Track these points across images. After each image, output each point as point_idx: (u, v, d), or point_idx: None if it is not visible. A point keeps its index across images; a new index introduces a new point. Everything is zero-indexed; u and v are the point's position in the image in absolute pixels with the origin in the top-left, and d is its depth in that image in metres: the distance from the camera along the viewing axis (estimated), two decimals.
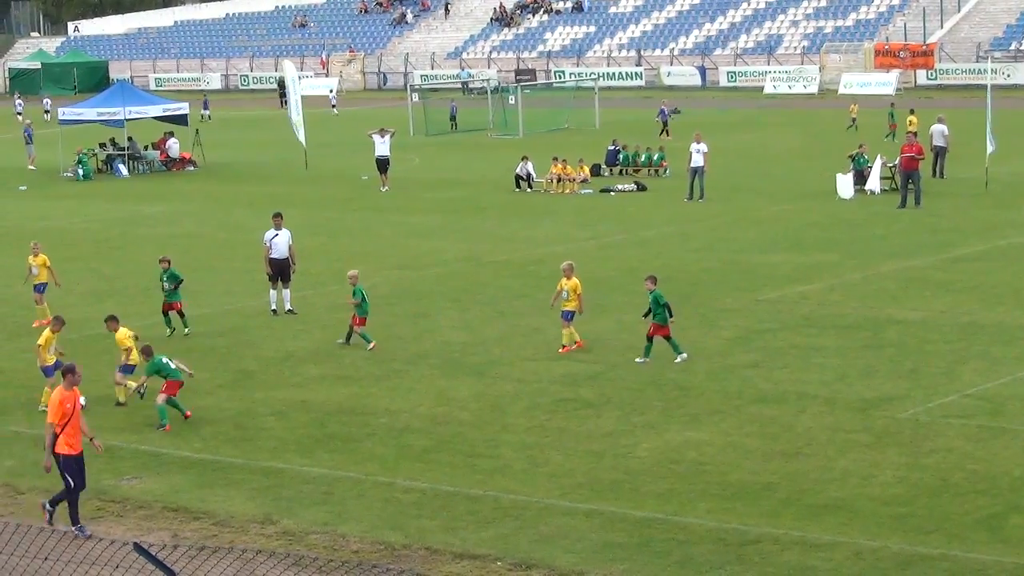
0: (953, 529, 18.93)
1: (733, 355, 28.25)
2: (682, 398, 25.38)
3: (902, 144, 48.76)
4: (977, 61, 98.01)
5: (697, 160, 49.94)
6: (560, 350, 28.69)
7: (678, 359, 27.56)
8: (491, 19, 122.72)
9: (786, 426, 23.56)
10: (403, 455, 22.71)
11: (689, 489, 20.70)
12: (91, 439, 20.01)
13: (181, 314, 31.04)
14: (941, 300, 32.81)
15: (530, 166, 54.56)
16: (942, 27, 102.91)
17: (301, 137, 62.50)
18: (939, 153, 53.41)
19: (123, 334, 26.11)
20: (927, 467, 21.35)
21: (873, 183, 49.96)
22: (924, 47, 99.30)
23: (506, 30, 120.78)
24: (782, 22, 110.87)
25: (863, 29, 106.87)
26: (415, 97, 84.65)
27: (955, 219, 44.39)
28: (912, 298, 33.18)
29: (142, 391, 25.50)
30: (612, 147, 59.20)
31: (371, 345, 29.32)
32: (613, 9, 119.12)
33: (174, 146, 66.12)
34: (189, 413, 24.77)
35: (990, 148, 50.17)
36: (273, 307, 33.10)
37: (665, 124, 72.90)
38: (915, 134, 51.20)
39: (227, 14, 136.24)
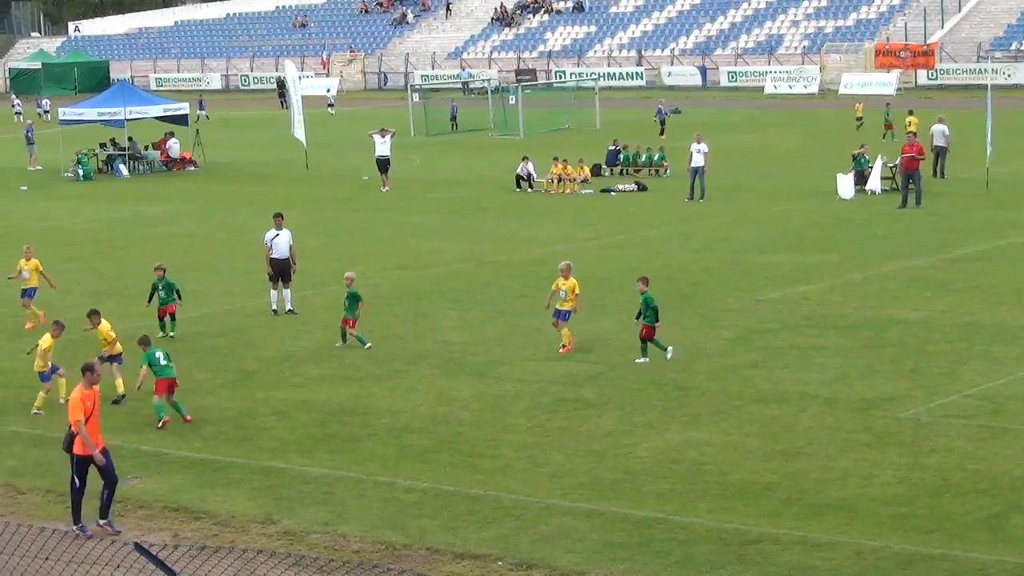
0: (954, 529, 18.92)
1: (734, 355, 28.25)
2: (683, 398, 25.38)
3: (903, 144, 48.74)
4: (978, 61, 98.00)
5: (698, 160, 49.94)
6: (560, 350, 28.68)
7: (668, 355, 27.56)
8: (491, 19, 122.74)
9: (787, 426, 23.56)
10: (404, 455, 22.71)
11: (690, 489, 20.70)
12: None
13: (172, 317, 30.92)
14: (942, 300, 32.81)
15: (531, 166, 54.56)
16: (943, 27, 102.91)
17: (301, 137, 62.51)
18: (940, 153, 53.41)
19: (106, 327, 26.34)
20: (928, 467, 21.35)
21: (874, 183, 49.96)
22: (924, 47, 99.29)
23: (507, 30, 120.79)
24: (782, 22, 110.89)
25: (863, 29, 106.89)
26: (415, 97, 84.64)
27: (956, 219, 44.39)
28: (913, 298, 33.18)
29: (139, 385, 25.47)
30: (613, 147, 59.21)
31: (367, 345, 29.30)
32: (614, 9, 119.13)
33: (174, 146, 66.12)
34: (189, 418, 24.76)
35: (990, 149, 50.13)
36: (274, 307, 33.10)
37: (662, 124, 72.89)
38: (915, 134, 51.18)
39: (227, 14, 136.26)
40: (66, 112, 66.94)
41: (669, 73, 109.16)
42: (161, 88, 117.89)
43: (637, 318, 28.10)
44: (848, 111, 77.71)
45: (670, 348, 27.77)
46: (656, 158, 58.19)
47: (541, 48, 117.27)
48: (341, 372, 27.90)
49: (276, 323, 32.39)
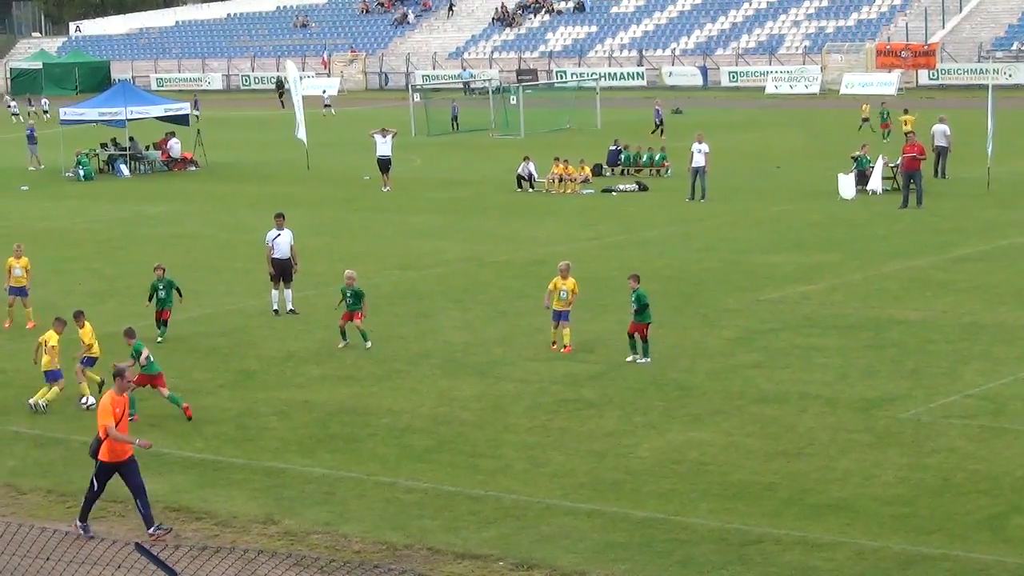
0: (955, 529, 18.92)
1: (735, 355, 28.25)
2: (684, 398, 25.38)
3: (904, 144, 48.74)
4: (979, 61, 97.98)
5: (699, 160, 49.94)
6: (562, 350, 28.68)
7: (634, 358, 27.55)
8: (492, 19, 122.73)
9: (788, 426, 23.56)
10: (405, 455, 22.71)
11: (691, 489, 20.70)
12: (134, 441, 19.79)
13: (165, 323, 30.71)
14: (943, 300, 32.81)
15: (532, 166, 54.56)
16: (944, 27, 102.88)
17: (303, 137, 62.53)
18: (941, 153, 53.40)
19: (88, 330, 26.45)
20: (929, 467, 21.35)
21: (875, 183, 49.95)
22: (926, 47, 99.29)
23: (507, 30, 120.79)
24: (783, 22, 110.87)
25: (865, 29, 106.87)
26: (417, 97, 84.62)
27: (957, 219, 44.38)
28: (914, 298, 33.18)
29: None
30: (614, 147, 59.21)
31: (368, 344, 29.25)
32: (615, 9, 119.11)
33: (175, 146, 66.13)
34: (190, 412, 24.80)
35: (991, 149, 50.10)
36: (275, 307, 33.11)
37: (659, 124, 72.86)
38: (914, 133, 51.13)
39: (228, 14, 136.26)
40: (67, 112, 66.93)
41: (670, 73, 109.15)
42: (162, 88, 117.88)
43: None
44: (850, 111, 77.68)
45: (645, 359, 27.63)
46: (657, 158, 58.18)
47: (542, 48, 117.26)
48: (342, 372, 27.91)
49: (277, 323, 32.39)
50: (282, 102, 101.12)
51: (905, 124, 63.76)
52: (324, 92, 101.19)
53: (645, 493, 20.62)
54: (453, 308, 33.41)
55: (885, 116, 68.69)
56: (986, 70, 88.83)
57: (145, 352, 25.12)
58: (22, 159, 68.59)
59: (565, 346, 28.75)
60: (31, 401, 25.68)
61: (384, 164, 55.58)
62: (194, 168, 65.54)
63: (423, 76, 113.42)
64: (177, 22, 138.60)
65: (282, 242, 33.07)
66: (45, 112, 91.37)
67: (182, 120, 66.91)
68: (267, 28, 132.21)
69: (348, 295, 29.66)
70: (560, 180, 53.66)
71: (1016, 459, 21.59)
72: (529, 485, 21.06)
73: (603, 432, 23.55)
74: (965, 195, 49.13)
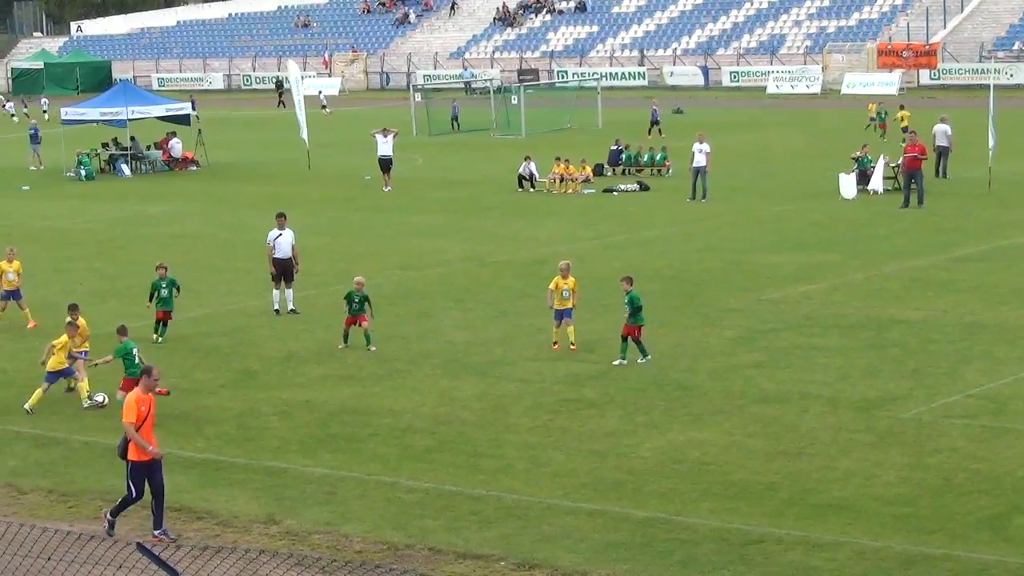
0: (956, 529, 18.92)
1: (736, 355, 28.25)
2: (685, 398, 25.38)
3: (905, 144, 48.74)
4: (980, 61, 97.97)
5: (700, 160, 49.94)
6: (571, 347, 28.69)
7: (620, 362, 27.56)
8: (494, 19, 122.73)
9: (789, 426, 23.56)
10: (406, 455, 22.71)
11: (692, 489, 20.69)
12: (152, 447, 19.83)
13: (165, 324, 30.63)
14: (944, 300, 32.80)
15: (533, 166, 54.56)
16: (945, 27, 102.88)
17: (304, 137, 62.56)
18: (942, 153, 53.40)
19: (83, 323, 26.68)
20: (930, 467, 21.34)
21: (876, 183, 49.95)
22: (927, 47, 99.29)
23: (509, 30, 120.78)
24: (785, 22, 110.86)
25: (866, 29, 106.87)
26: (418, 97, 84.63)
27: (958, 219, 44.38)
28: (915, 298, 33.17)
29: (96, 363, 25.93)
30: (615, 147, 59.20)
31: (372, 347, 29.22)
32: (616, 9, 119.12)
33: (177, 146, 66.13)
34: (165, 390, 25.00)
35: (992, 148, 50.04)
36: (276, 307, 33.11)
37: (655, 123, 72.83)
38: (915, 133, 51.09)
39: (230, 14, 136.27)
40: (68, 112, 66.94)
41: (671, 73, 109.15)
42: (163, 88, 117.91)
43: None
44: (852, 111, 77.67)
45: (622, 361, 27.61)
46: (658, 158, 58.18)
47: (543, 48, 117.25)
48: (343, 372, 27.91)
49: (278, 323, 32.39)
50: (281, 102, 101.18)
51: (901, 120, 63.94)
52: (320, 92, 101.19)
53: (646, 493, 20.62)
54: (454, 308, 33.41)
55: (883, 116, 68.66)
56: (987, 70, 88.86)
57: (136, 352, 25.26)
58: (23, 159, 68.59)
59: (572, 344, 28.75)
60: (26, 405, 25.68)
61: (385, 164, 55.58)
62: (195, 168, 65.55)
63: (424, 76, 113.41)
64: (178, 22, 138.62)
65: (283, 242, 33.07)
66: (45, 112, 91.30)
67: (183, 120, 66.92)
68: (268, 28, 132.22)
69: (356, 300, 29.56)
70: (561, 180, 53.66)
71: (1017, 459, 21.59)
72: (530, 485, 21.05)
73: (604, 432, 23.55)
74: (966, 195, 49.12)
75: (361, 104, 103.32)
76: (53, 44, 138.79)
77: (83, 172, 62.24)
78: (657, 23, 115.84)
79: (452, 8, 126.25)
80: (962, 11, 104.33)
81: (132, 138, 65.50)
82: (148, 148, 66.42)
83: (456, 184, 56.73)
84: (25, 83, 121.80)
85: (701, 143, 50.24)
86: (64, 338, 25.97)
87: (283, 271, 33.06)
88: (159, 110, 66.68)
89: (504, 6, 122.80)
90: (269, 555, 18.12)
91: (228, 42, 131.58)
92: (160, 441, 23.63)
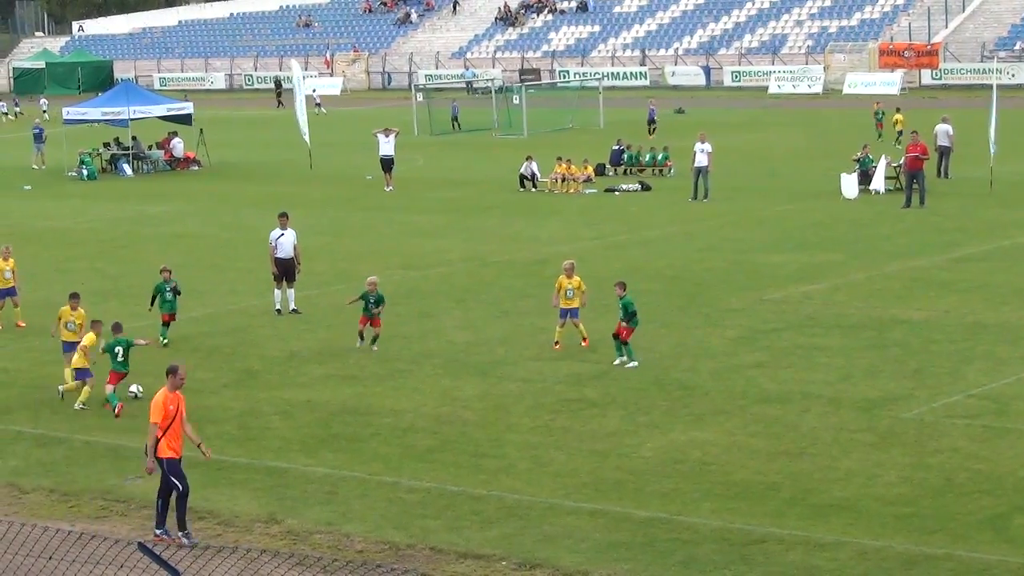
0: (958, 529, 18.92)
1: (737, 355, 28.24)
2: (686, 398, 25.38)
3: (906, 144, 48.71)
4: (982, 61, 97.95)
5: (701, 160, 49.93)
6: (583, 343, 28.76)
7: (622, 361, 27.59)
8: (495, 19, 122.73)
9: (790, 426, 23.56)
10: (407, 455, 22.71)
11: (693, 489, 20.69)
12: (198, 444, 19.68)
13: (167, 324, 30.53)
14: (946, 300, 32.80)
15: (534, 166, 54.56)
16: (947, 27, 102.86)
17: (306, 136, 62.58)
18: (943, 153, 53.40)
19: (81, 314, 27.21)
20: (932, 467, 21.34)
21: (877, 183, 49.94)
22: (928, 47, 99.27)
23: (510, 30, 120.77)
24: (786, 22, 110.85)
25: (867, 29, 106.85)
26: (419, 97, 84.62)
27: (959, 219, 44.37)
28: (917, 298, 33.17)
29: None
30: (616, 147, 59.20)
31: (359, 344, 29.23)
32: (617, 9, 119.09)
33: (178, 146, 66.15)
34: (120, 409, 25.29)
35: (993, 148, 50.05)
36: (277, 307, 33.11)
37: (652, 124, 72.84)
38: (917, 133, 51.06)
39: (231, 14, 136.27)
40: (70, 112, 66.95)
41: (673, 73, 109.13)
42: (165, 88, 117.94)
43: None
44: (853, 111, 77.65)
45: (629, 361, 27.61)
46: (660, 158, 58.18)
47: (545, 48, 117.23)
48: (345, 372, 27.91)
49: (280, 323, 32.39)
50: (279, 102, 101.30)
51: (896, 124, 64.00)
52: (314, 91, 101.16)
53: (648, 493, 20.62)
54: (455, 308, 33.41)
55: (880, 116, 68.64)
56: (989, 70, 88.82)
57: (121, 351, 25.62)
58: (25, 159, 68.59)
59: (583, 339, 28.85)
60: (61, 387, 26.01)
61: (387, 164, 55.57)
62: (197, 168, 65.57)
63: (426, 76, 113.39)
64: (180, 21, 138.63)
65: (285, 242, 33.07)
66: (45, 112, 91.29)
67: (185, 120, 66.92)
68: (270, 28, 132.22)
69: (371, 301, 29.47)
70: (563, 180, 53.66)
71: (1019, 459, 21.58)
72: (532, 485, 21.06)
73: (606, 432, 23.55)
74: (968, 195, 49.11)
75: (363, 104, 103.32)
76: (55, 44, 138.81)
77: (85, 172, 62.26)
78: (659, 23, 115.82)
79: (454, 8, 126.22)
80: (963, 11, 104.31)
81: (134, 138, 65.50)
82: (150, 148, 66.42)
83: (457, 184, 56.73)
84: (27, 83, 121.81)
85: (703, 143, 50.23)
86: (91, 336, 26.18)
87: (285, 271, 33.06)
88: (161, 110, 66.71)
89: (506, 6, 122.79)
90: (270, 555, 18.12)
91: (230, 42, 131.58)
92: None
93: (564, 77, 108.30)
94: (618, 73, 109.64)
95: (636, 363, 27.42)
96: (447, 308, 33.38)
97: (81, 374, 25.85)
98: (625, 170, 58.15)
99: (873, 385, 25.81)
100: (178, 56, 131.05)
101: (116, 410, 25.22)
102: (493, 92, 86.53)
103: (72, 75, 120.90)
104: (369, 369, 28.00)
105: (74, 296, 27.78)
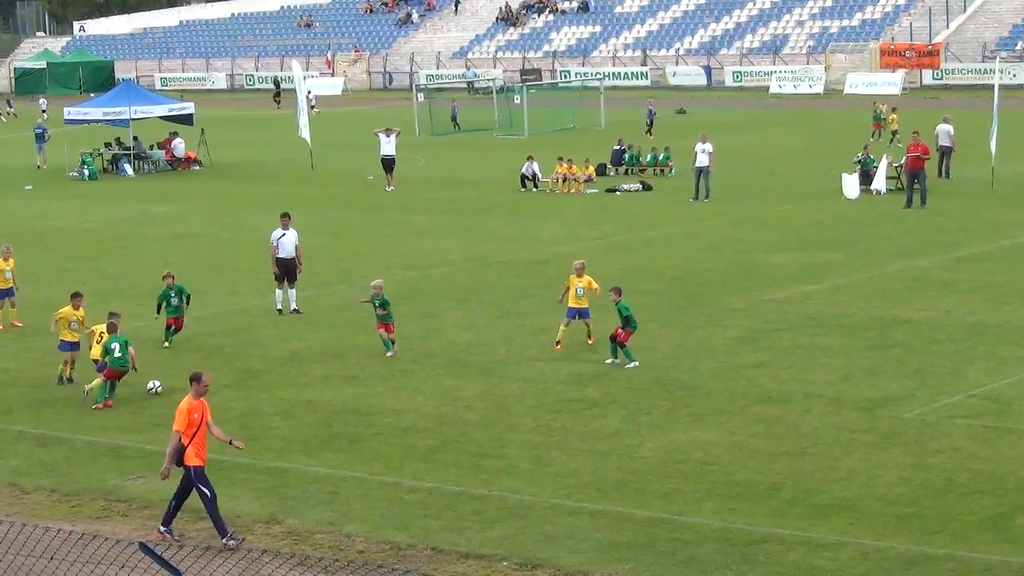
0: (959, 529, 18.92)
1: (739, 355, 28.24)
2: (687, 398, 25.38)
3: (908, 144, 48.71)
4: (983, 61, 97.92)
5: (702, 160, 49.93)
6: (588, 342, 28.79)
7: (613, 361, 27.61)
8: (496, 19, 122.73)
9: (791, 426, 23.56)
10: (408, 455, 22.71)
11: (694, 489, 20.70)
12: (230, 441, 19.69)
13: (177, 329, 30.44)
14: (947, 300, 32.79)
15: (535, 166, 54.56)
16: (948, 27, 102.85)
17: (306, 136, 62.59)
18: (945, 153, 53.39)
19: (81, 312, 27.54)
20: (933, 467, 21.34)
21: (879, 183, 49.93)
22: (930, 47, 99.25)
23: (511, 30, 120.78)
24: (788, 22, 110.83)
25: (869, 29, 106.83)
26: (421, 97, 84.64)
27: (961, 219, 44.36)
28: (918, 298, 33.16)
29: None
30: (618, 147, 59.20)
31: (389, 353, 28.98)
32: (619, 9, 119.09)
33: (179, 146, 66.16)
34: (109, 403, 25.70)
35: (993, 147, 50.01)
36: (279, 307, 33.12)
37: (650, 124, 72.86)
38: (918, 133, 51.05)
39: (232, 14, 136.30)
40: (71, 112, 66.97)
41: (674, 73, 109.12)
42: (166, 88, 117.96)
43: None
44: (854, 111, 77.64)
45: (635, 363, 27.61)
46: (661, 158, 58.18)
47: (546, 48, 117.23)
48: (346, 372, 27.91)
49: (281, 323, 32.40)
50: (275, 102, 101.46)
51: (891, 123, 64.05)
52: (309, 92, 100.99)
53: (649, 493, 20.62)
54: (457, 308, 33.41)
55: (876, 116, 68.58)
56: (990, 70, 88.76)
57: (117, 347, 25.89)
58: (26, 159, 68.59)
59: (589, 338, 28.87)
60: (86, 387, 26.16)
61: (388, 163, 55.57)
62: (198, 168, 65.58)
63: (427, 76, 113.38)
64: (181, 22, 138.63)
65: (287, 242, 33.07)
66: (44, 112, 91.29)
67: (186, 120, 66.92)
68: (271, 28, 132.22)
69: (376, 304, 29.39)
70: (564, 180, 53.66)
71: (1020, 459, 21.58)
72: (533, 485, 21.06)
73: (607, 432, 23.55)
74: (969, 195, 49.10)
75: (364, 104, 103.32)
76: (56, 44, 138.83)
77: (86, 172, 62.28)
78: (660, 23, 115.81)
79: (456, 6, 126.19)
80: (965, 11, 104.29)
81: (135, 138, 65.51)
82: (151, 148, 66.42)
83: (459, 184, 56.73)
84: (28, 83, 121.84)
85: (704, 143, 50.23)
86: (101, 327, 26.57)
87: (286, 271, 33.06)
88: (162, 110, 66.72)
89: (507, 6, 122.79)
90: (271, 555, 18.14)
91: (231, 42, 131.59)
92: (163, 441, 23.61)
93: (565, 77, 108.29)
94: (619, 73, 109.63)
95: (636, 363, 27.42)
96: (448, 308, 33.39)
97: (101, 365, 26.19)
98: (626, 170, 58.15)
99: (874, 385, 25.81)
100: (179, 56, 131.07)
101: (103, 404, 25.64)
102: (494, 92, 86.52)
103: (73, 75, 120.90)
104: (370, 369, 28.01)
105: (77, 295, 27.96)
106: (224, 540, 18.85)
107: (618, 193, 52.87)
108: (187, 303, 30.50)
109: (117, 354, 25.78)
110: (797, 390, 25.62)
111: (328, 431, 24.12)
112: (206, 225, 48.17)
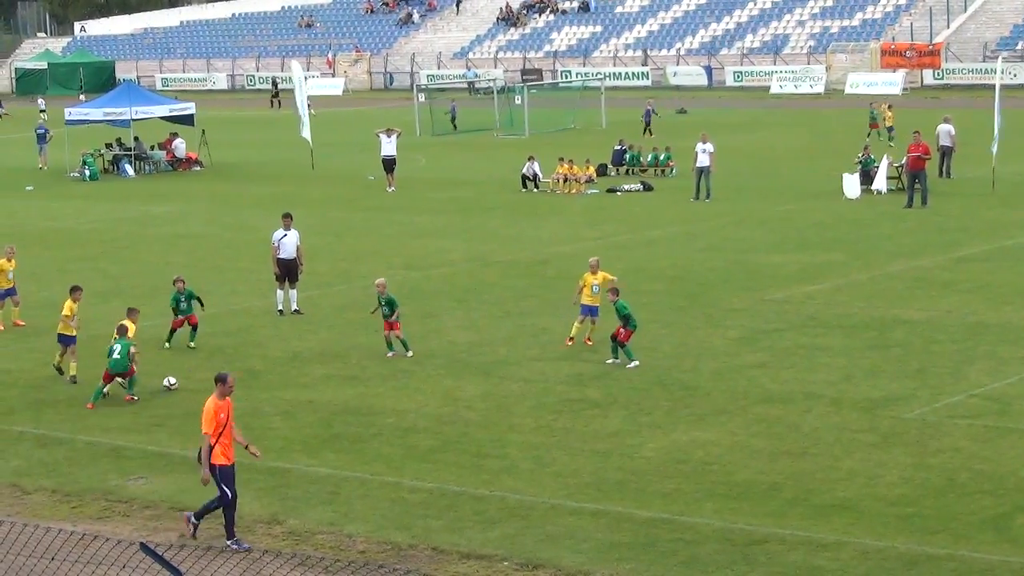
0: (959, 529, 18.92)
1: (739, 355, 28.25)
2: (688, 398, 25.39)
3: (908, 144, 48.71)
4: (984, 61, 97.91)
5: (703, 160, 49.93)
6: (587, 342, 28.91)
7: (614, 361, 27.63)
8: (497, 19, 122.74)
9: (792, 426, 23.57)
10: (409, 455, 22.72)
11: (695, 489, 20.70)
12: (246, 446, 19.71)
13: (195, 327, 30.39)
14: (947, 300, 32.79)
15: (536, 166, 54.56)
16: (948, 27, 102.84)
17: (307, 136, 62.59)
18: (945, 153, 53.37)
19: (74, 307, 27.84)
20: (933, 467, 21.35)
21: (880, 183, 49.93)
22: (930, 47, 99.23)
23: (512, 30, 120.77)
24: (788, 22, 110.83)
25: (869, 29, 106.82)
26: (421, 97, 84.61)
27: (961, 219, 44.35)
28: (918, 298, 33.16)
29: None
30: (618, 147, 59.19)
31: (409, 353, 28.86)
32: (619, 9, 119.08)
33: (180, 146, 66.16)
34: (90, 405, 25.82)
35: (994, 147, 50.00)
36: (279, 307, 33.12)
37: (648, 124, 72.85)
38: (919, 133, 51.02)
39: (233, 14, 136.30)
40: (72, 112, 66.97)
41: (675, 73, 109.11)
42: (167, 88, 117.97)
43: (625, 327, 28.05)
44: (855, 111, 77.65)
45: (636, 362, 27.60)
46: (662, 158, 58.18)
47: (547, 48, 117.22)
48: (347, 372, 27.92)
49: (282, 323, 32.41)
50: (271, 102, 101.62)
51: (886, 120, 64.05)
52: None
53: (650, 493, 20.63)
54: (458, 308, 33.42)
55: (873, 117, 68.60)
56: (990, 70, 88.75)
57: (118, 349, 25.98)
58: (27, 159, 68.61)
59: (588, 338, 28.97)
60: (105, 388, 26.36)
61: (388, 164, 55.57)
62: (199, 168, 65.57)
63: (428, 76, 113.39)
64: (182, 22, 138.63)
65: (288, 242, 33.08)
66: (42, 112, 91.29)
67: (187, 120, 66.93)
68: (272, 28, 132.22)
69: (382, 303, 29.36)
70: (565, 180, 53.66)
71: (1021, 459, 21.59)
72: (534, 485, 21.07)
73: (608, 432, 23.56)
74: (970, 195, 49.10)
75: (365, 104, 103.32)
76: (57, 44, 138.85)
77: (87, 172, 62.29)
78: (660, 23, 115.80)
79: (457, 6, 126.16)
80: (965, 11, 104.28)
81: (136, 138, 65.51)
82: (152, 148, 66.42)
83: (459, 184, 56.73)
84: (29, 83, 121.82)
85: (704, 143, 50.24)
86: (128, 323, 26.73)
87: (287, 271, 33.07)
88: (163, 110, 66.73)
89: (507, 6, 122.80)
90: (272, 555, 18.15)
91: (232, 42, 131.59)
92: (164, 441, 23.76)
93: (566, 77, 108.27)
94: (620, 73, 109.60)
95: (637, 362, 27.43)
96: (449, 308, 33.39)
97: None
98: (627, 170, 58.15)
99: (875, 385, 25.81)
100: (180, 56, 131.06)
101: (90, 404, 25.79)
102: (495, 92, 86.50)
103: (74, 76, 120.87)
104: (371, 369, 28.02)
105: (77, 288, 28.19)
106: (228, 542, 18.86)
107: (619, 193, 52.86)
108: (201, 305, 30.56)
109: (116, 356, 25.82)
110: (798, 390, 25.62)
111: (329, 431, 24.13)
112: (207, 225, 48.17)
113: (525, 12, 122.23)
